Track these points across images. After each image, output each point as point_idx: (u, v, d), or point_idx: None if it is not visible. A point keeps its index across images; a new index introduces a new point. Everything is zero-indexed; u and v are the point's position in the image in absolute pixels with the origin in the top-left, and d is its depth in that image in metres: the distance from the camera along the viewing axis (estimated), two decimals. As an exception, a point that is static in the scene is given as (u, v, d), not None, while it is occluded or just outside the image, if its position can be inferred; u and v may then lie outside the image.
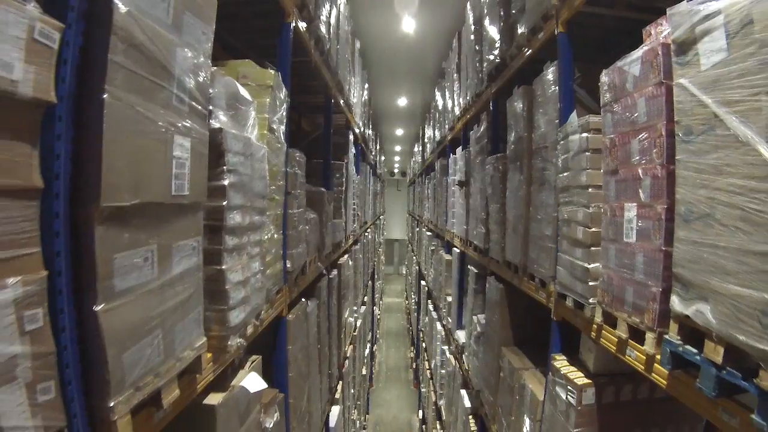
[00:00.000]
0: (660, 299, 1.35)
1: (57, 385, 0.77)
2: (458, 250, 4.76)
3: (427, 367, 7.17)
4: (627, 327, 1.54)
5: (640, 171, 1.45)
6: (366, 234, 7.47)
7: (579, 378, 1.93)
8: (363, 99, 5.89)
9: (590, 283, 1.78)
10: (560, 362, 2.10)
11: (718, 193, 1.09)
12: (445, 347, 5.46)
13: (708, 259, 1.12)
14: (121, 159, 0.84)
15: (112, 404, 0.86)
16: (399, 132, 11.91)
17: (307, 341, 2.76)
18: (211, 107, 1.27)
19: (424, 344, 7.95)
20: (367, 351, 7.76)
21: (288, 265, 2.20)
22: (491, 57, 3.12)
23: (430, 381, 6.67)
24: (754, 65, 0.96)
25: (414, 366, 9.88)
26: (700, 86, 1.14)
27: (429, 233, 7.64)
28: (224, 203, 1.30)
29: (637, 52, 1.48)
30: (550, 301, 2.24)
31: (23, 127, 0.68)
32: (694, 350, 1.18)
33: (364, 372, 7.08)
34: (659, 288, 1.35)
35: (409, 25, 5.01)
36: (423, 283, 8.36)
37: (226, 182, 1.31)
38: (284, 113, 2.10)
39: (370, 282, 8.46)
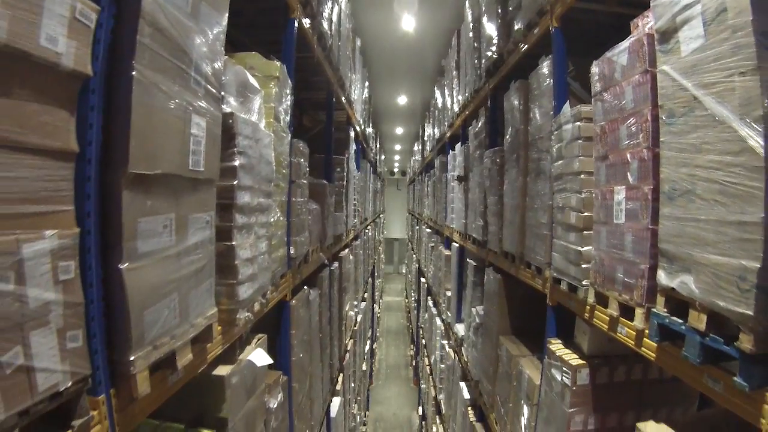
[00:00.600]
0: (648, 276, 1.42)
1: (84, 336, 0.84)
2: (457, 245, 4.83)
3: (427, 363, 7.23)
4: (618, 305, 1.61)
5: (628, 155, 1.53)
6: (366, 231, 7.54)
7: (574, 359, 1.99)
8: (363, 97, 5.98)
9: (583, 266, 1.85)
10: (556, 345, 2.17)
11: (698, 170, 1.16)
12: (445, 342, 5.52)
13: (690, 232, 1.19)
14: (147, 131, 0.92)
15: (132, 358, 0.92)
16: (399, 131, 12.02)
17: (309, 329, 2.83)
18: (222, 93, 1.35)
19: (423, 341, 8.01)
20: (367, 347, 7.81)
21: (292, 252, 2.27)
22: (489, 53, 3.20)
23: (430, 377, 6.73)
24: (728, 49, 1.04)
25: (414, 363, 9.94)
26: (680, 71, 1.21)
27: (428, 230, 7.72)
28: (235, 182, 1.38)
29: (625, 43, 1.56)
30: (546, 287, 2.31)
31: (64, 96, 0.76)
32: (680, 320, 1.25)
33: (364, 368, 7.14)
34: (647, 265, 1.42)
35: (408, 23, 5.09)
36: (423, 280, 8.43)
37: (236, 163, 1.38)
38: (289, 105, 2.18)
39: (370, 279, 8.53)
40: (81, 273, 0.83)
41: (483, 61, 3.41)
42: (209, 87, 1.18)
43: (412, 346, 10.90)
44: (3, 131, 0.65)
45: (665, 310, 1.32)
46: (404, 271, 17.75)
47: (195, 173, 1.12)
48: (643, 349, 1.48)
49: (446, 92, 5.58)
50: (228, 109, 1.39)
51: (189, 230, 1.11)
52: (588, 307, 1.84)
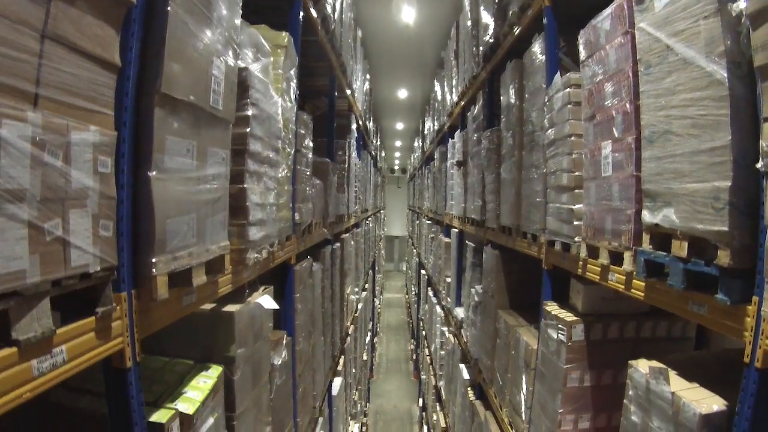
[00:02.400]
0: (634, 220, 1.51)
1: (114, 229, 0.92)
2: (456, 230, 4.93)
3: (427, 354, 7.29)
4: (608, 254, 1.70)
5: (613, 111, 1.64)
6: (367, 222, 7.65)
7: (569, 317, 2.08)
8: (364, 89, 6.12)
9: (575, 223, 1.95)
10: (551, 307, 2.25)
11: (673, 110, 1.27)
12: (445, 328, 5.60)
13: (669, 168, 1.30)
14: (177, 61, 1.04)
15: (154, 260, 1.01)
16: (399, 126, 12.15)
17: (312, 298, 2.92)
18: (238, 50, 1.46)
19: (424, 332, 8.08)
20: (367, 339, 7.87)
21: (297, 217, 2.37)
22: (486, 38, 3.34)
23: (430, 366, 6.79)
24: (693, -3, 1.16)
25: (414, 357, 9.98)
26: (655, 25, 1.33)
27: (428, 222, 7.83)
28: (248, 130, 1.49)
29: (608, 10, 1.68)
30: (541, 253, 2.41)
31: (112, 17, 0.88)
32: (664, 253, 1.33)
33: (365, 357, 7.19)
34: (633, 209, 1.52)
35: (409, 15, 5.23)
36: (423, 271, 8.52)
37: (249, 113, 1.50)
38: (295, 77, 2.30)
39: (370, 271, 8.61)
40: (114, 175, 0.93)
41: (481, 48, 3.54)
42: (228, 38, 1.30)
43: (412, 341, 10.96)
44: (66, 32, 0.77)
45: (650, 246, 1.40)
46: (404, 268, 17.85)
47: (214, 110, 1.24)
48: (632, 291, 1.56)
49: (446, 84, 5.72)
50: (243, 65, 1.51)
51: (207, 161, 1.22)
52: (580, 262, 1.93)
